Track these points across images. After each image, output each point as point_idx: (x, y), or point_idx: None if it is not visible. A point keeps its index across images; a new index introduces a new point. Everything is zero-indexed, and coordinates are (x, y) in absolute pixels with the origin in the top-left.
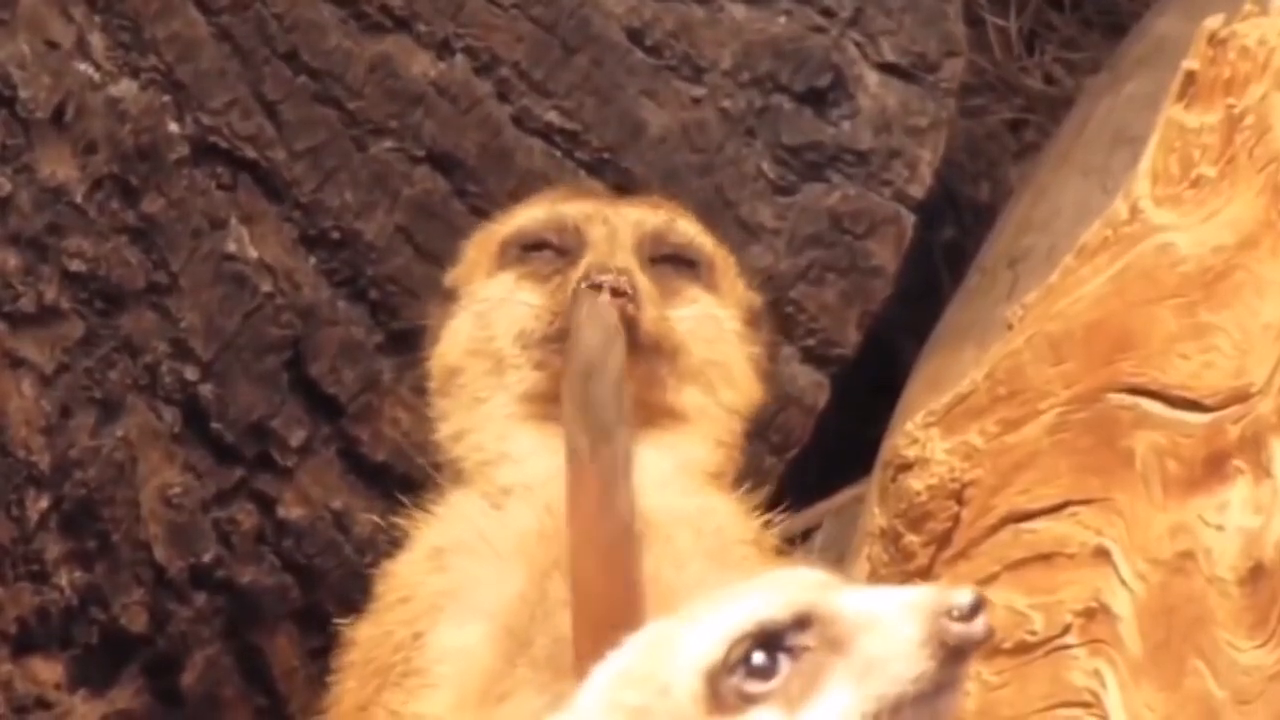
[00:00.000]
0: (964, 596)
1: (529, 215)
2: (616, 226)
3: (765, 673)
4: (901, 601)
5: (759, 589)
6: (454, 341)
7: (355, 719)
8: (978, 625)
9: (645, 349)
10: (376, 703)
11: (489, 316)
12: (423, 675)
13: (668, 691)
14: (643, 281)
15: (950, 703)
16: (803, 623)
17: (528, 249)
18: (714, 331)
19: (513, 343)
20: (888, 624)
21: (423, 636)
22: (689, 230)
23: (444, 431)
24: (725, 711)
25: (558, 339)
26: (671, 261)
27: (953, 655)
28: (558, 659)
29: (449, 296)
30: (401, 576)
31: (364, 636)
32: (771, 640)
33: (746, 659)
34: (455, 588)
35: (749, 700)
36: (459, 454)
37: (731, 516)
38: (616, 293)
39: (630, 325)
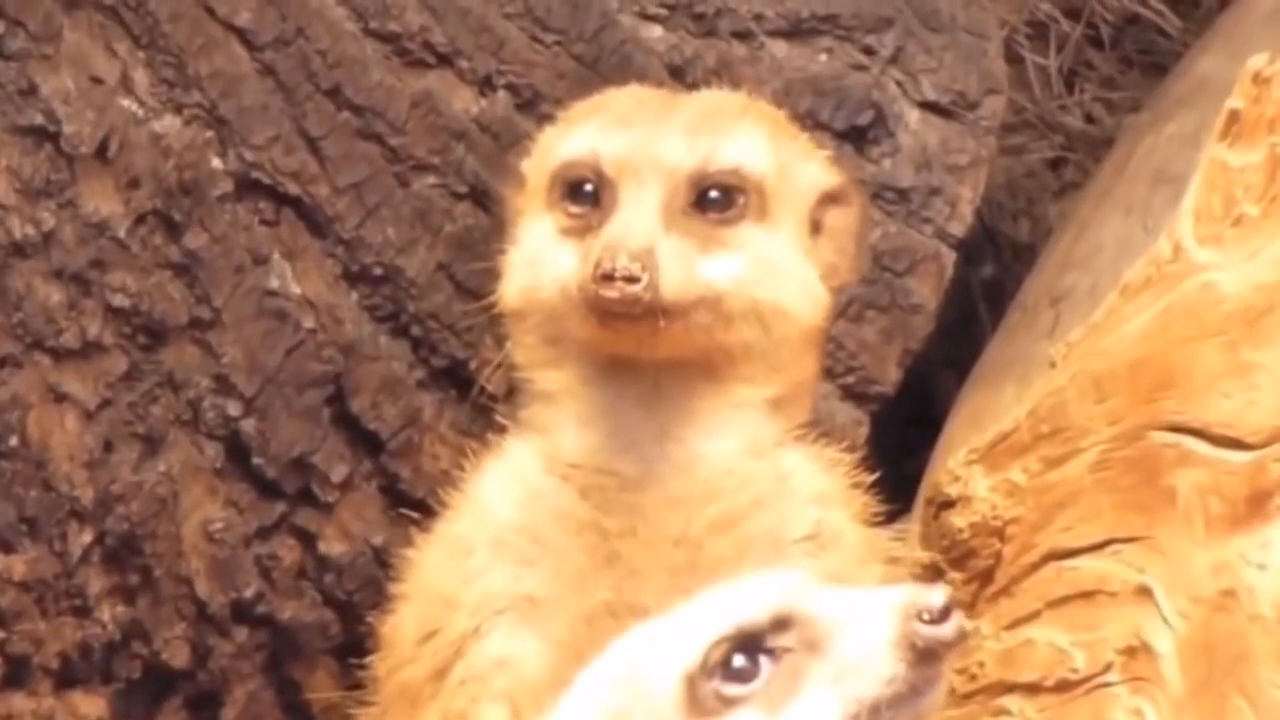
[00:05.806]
0: (936, 598)
1: (577, 141)
2: (648, 179)
3: (745, 675)
4: (875, 603)
5: (738, 591)
6: (510, 285)
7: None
8: (948, 628)
9: (676, 311)
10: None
11: (534, 269)
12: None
13: (648, 695)
14: (668, 248)
15: (931, 703)
16: (782, 624)
17: (570, 191)
18: (758, 272)
19: (558, 298)
20: (861, 625)
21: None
22: (732, 154)
23: (518, 356)
24: (705, 715)
25: (594, 304)
26: (716, 198)
27: (924, 657)
28: None
29: (511, 219)
30: (446, 566)
31: (406, 635)
32: (751, 643)
33: (726, 662)
34: (507, 591)
35: (728, 703)
36: (529, 377)
37: (803, 473)
38: (629, 280)
39: (651, 303)
